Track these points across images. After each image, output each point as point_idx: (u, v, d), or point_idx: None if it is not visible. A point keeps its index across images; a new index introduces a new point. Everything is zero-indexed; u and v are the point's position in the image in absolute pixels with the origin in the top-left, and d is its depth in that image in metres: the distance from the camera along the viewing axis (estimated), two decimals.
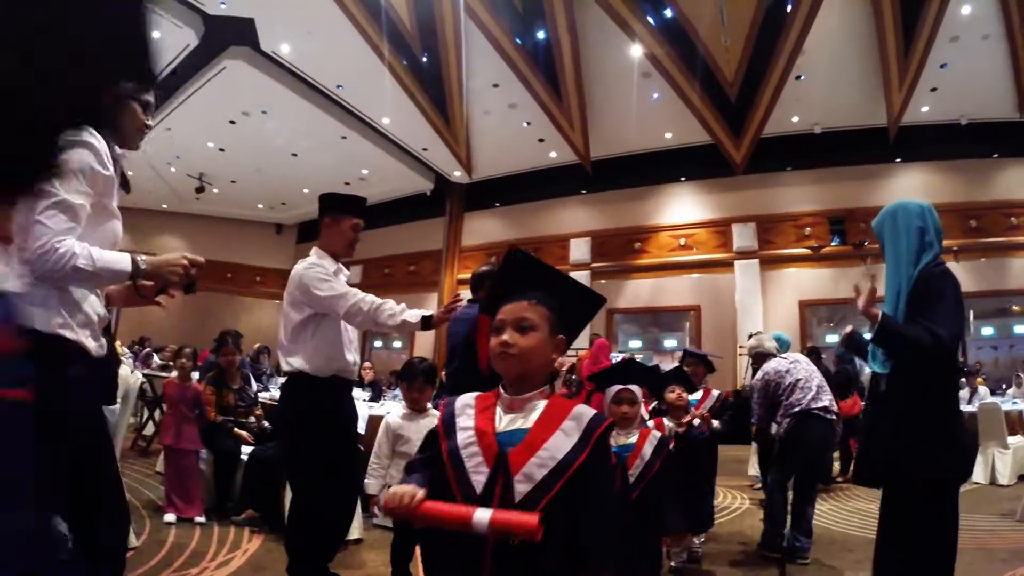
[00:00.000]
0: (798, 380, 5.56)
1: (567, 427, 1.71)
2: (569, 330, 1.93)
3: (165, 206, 24.33)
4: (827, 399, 5.52)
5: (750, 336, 8.18)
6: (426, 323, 3.70)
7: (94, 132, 2.31)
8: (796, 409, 5.45)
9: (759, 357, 6.21)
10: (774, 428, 5.74)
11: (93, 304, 2.39)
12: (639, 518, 3.36)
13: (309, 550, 3.74)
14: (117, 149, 2.52)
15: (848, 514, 7.07)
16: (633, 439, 3.55)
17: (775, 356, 6.02)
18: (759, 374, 5.96)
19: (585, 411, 1.76)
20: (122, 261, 2.35)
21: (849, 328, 3.62)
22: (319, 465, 3.68)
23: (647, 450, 3.50)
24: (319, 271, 3.70)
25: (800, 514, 5.37)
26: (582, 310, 2.06)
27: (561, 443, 1.69)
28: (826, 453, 6.34)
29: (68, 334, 2.22)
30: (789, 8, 13.86)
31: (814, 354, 8.10)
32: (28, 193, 1.44)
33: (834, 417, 5.60)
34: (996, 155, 16.46)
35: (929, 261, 3.08)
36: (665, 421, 4.79)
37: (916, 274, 3.05)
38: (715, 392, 5.81)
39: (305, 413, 3.71)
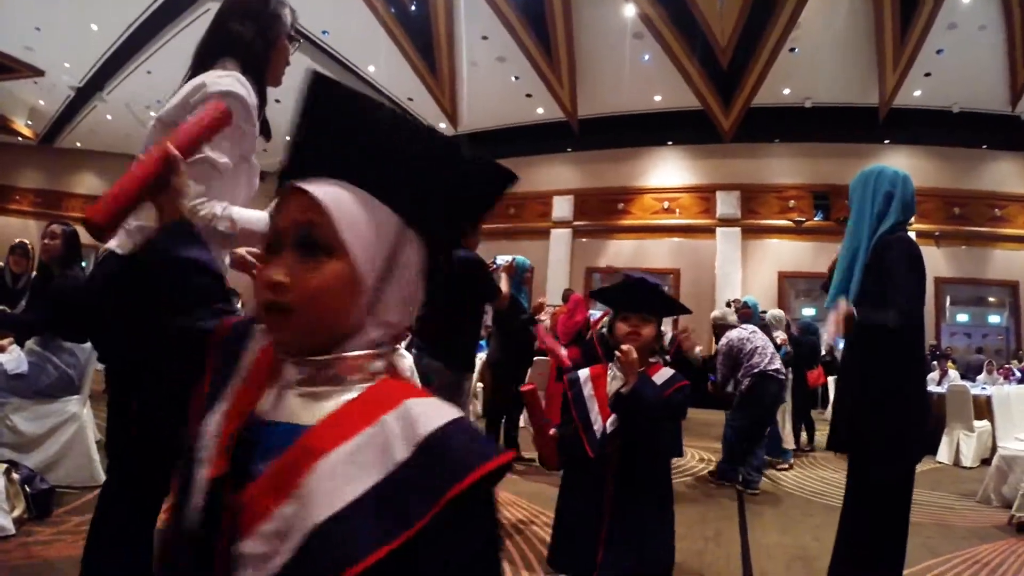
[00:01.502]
0: (756, 347, 6.75)
1: None
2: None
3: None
4: (778, 363, 6.78)
5: (728, 304, 8.96)
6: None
7: (243, 80, 2.24)
8: (755, 370, 6.63)
9: (721, 328, 7.47)
10: (729, 387, 6.97)
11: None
12: None
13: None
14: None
15: (812, 481, 7.26)
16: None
17: (735, 327, 7.16)
18: (723, 340, 7.07)
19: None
20: (261, 221, 2.21)
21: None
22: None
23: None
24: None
25: (754, 454, 6.62)
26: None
27: None
28: (776, 406, 7.19)
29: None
30: None
31: (784, 324, 8.72)
32: None
33: (783, 378, 6.91)
34: (985, 146, 16.59)
35: (889, 226, 3.07)
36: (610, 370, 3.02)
37: (876, 240, 3.07)
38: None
39: None
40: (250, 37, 2.36)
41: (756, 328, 7.09)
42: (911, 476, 3.02)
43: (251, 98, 2.26)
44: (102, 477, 4.57)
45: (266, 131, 2.49)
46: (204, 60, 2.33)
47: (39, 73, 18.72)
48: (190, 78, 2.29)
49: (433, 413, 0.83)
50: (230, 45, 2.34)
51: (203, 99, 2.11)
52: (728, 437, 6.93)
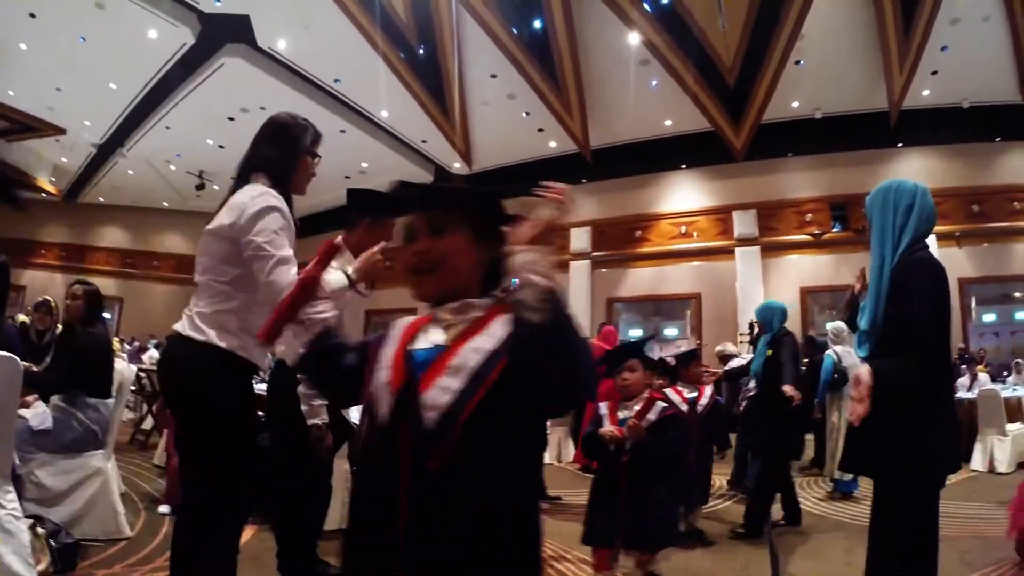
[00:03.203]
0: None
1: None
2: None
3: (166, 204, 24.43)
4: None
5: (750, 325, 9.51)
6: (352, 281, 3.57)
7: (276, 194, 2.83)
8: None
9: (724, 358, 8.57)
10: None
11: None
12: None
13: (298, 537, 3.73)
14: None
15: (837, 504, 7.03)
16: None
17: (736, 356, 8.36)
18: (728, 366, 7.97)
19: None
20: (339, 280, 2.96)
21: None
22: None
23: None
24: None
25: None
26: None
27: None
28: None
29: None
30: None
31: (811, 343, 9.77)
32: None
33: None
34: (999, 139, 16.42)
35: (910, 241, 3.01)
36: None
37: (899, 257, 3.00)
38: (660, 404, 4.28)
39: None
40: (275, 158, 2.97)
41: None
42: (935, 495, 2.94)
43: (283, 204, 2.83)
44: (127, 530, 4.65)
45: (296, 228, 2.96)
46: (243, 174, 2.96)
47: (61, 132, 19.25)
48: (234, 189, 2.93)
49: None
50: (261, 163, 2.96)
51: (250, 219, 2.72)
52: (738, 455, 7.75)
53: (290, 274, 2.60)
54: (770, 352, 5.89)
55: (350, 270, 3.04)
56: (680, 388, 5.70)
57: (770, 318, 6.13)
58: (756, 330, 9.88)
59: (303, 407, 3.51)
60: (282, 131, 3.03)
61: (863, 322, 3.07)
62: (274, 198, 2.79)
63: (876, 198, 3.14)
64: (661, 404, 3.92)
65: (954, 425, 3.15)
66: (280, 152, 2.98)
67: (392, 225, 3.51)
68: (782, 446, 5.92)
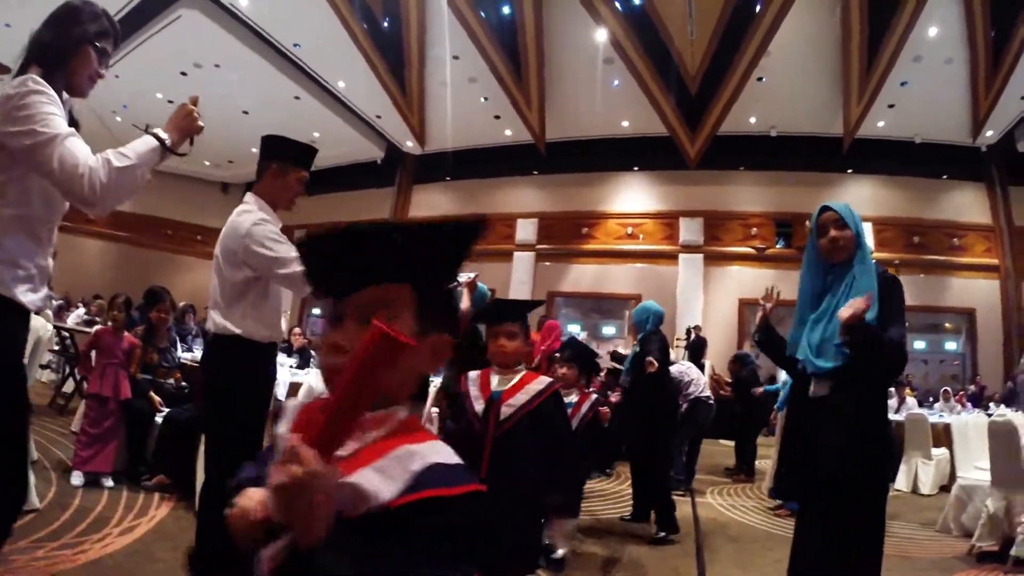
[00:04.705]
0: (692, 379, 8.21)
1: None
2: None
3: None
4: (708, 391, 8.36)
5: (688, 330, 10.14)
6: None
7: (38, 79, 2.34)
8: (692, 397, 8.05)
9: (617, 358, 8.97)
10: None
11: (33, 255, 2.39)
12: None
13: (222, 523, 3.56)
14: (64, 95, 2.48)
15: (759, 514, 7.10)
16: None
17: (675, 363, 8.36)
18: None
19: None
20: (148, 142, 2.45)
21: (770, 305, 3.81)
22: (244, 433, 3.48)
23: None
24: (269, 228, 3.33)
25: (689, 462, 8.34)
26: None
27: None
28: (706, 425, 8.45)
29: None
30: (758, 8, 13.88)
31: (738, 361, 10.15)
32: None
33: (712, 402, 8.34)
34: (945, 176, 16.92)
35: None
36: None
37: (878, 274, 3.06)
38: (594, 396, 5.04)
39: (239, 380, 3.40)
40: (51, 44, 2.48)
41: (690, 364, 8.79)
42: (885, 500, 3.01)
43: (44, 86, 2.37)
44: (36, 502, 4.31)
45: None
46: (23, 64, 2.46)
47: (6, 71, 18.44)
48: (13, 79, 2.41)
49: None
50: (35, 51, 2.47)
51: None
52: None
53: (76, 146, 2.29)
54: (638, 349, 6.15)
55: (161, 131, 2.57)
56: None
57: (644, 319, 6.32)
58: (693, 335, 11.13)
59: None
60: (67, 15, 2.53)
61: (820, 333, 3.06)
62: (33, 82, 2.36)
63: (852, 212, 3.19)
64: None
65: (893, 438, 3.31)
66: (57, 38, 2.50)
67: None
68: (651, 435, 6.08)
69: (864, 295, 2.87)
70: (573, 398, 4.57)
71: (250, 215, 3.38)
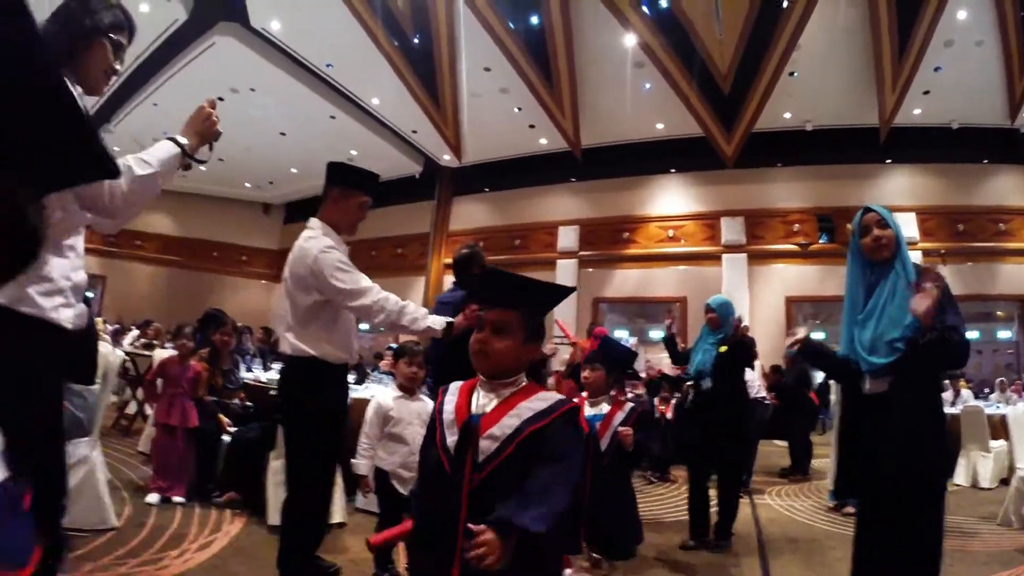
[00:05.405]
0: (747, 380, 6.72)
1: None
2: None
3: None
4: (763, 392, 8.61)
5: None
6: (447, 330, 3.51)
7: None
8: (749, 398, 6.96)
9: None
10: None
11: (62, 269, 2.14)
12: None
13: (307, 538, 3.60)
14: (79, 89, 2.30)
15: (818, 512, 7.00)
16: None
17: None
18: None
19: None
20: (168, 148, 2.41)
21: (801, 335, 3.35)
22: (322, 452, 3.55)
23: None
24: (337, 257, 3.39)
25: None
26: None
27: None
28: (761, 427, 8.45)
29: (25, 308, 2.00)
30: (785, 3, 13.83)
31: (777, 371, 10.11)
32: None
33: (768, 402, 8.61)
34: (986, 160, 16.62)
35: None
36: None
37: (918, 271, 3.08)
38: (629, 405, 4.23)
39: (314, 400, 3.47)
40: (59, 37, 2.25)
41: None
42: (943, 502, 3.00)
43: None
44: (114, 520, 4.48)
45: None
46: None
47: None
48: None
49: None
50: None
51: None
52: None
53: None
54: (723, 349, 5.50)
55: (180, 137, 2.45)
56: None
57: (730, 312, 5.81)
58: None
59: None
60: (77, 5, 2.28)
61: (871, 330, 3.05)
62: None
63: (888, 212, 3.20)
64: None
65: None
66: (64, 30, 2.24)
67: None
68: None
69: (920, 292, 2.88)
70: (604, 408, 4.07)
71: (316, 241, 3.48)
